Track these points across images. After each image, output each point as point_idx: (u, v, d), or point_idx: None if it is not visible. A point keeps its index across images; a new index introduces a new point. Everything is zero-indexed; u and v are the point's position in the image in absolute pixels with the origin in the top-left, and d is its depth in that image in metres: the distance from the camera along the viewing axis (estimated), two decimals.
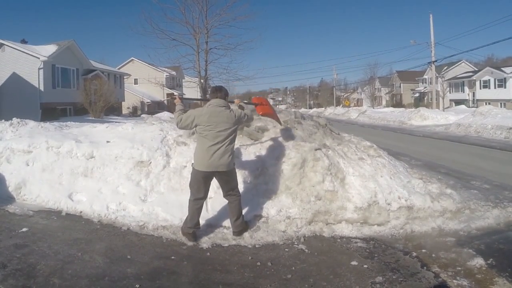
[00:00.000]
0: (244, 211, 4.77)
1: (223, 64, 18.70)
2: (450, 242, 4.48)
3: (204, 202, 4.66)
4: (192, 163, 4.47)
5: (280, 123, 5.94)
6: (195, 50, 17.78)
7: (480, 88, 45.53)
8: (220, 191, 4.74)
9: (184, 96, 52.53)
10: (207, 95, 18.65)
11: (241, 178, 5.27)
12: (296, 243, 4.44)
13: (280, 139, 5.87)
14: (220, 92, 4.53)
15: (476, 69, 50.76)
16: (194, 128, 4.43)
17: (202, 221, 4.78)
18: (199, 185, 4.39)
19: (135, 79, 44.20)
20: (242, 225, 4.64)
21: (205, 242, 4.41)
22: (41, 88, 24.89)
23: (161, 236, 4.53)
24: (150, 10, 33.61)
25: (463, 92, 49.56)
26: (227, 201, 4.66)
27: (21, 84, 24.58)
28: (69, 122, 9.70)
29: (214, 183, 4.66)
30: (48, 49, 26.21)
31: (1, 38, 25.65)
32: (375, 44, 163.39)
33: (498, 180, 7.51)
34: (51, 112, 23.91)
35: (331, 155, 5.61)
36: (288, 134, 5.99)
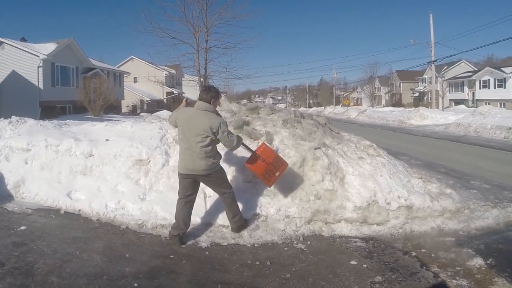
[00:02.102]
0: (243, 210, 4.76)
1: (223, 63, 18.68)
2: (450, 242, 4.47)
3: (203, 201, 4.64)
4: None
5: (267, 183, 4.88)
6: (195, 49, 17.79)
7: (480, 88, 45.56)
8: None
9: (184, 95, 52.51)
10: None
11: (241, 177, 5.26)
12: (295, 242, 4.44)
13: (280, 138, 5.85)
14: (207, 93, 4.28)
15: (476, 69, 50.78)
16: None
17: (201, 220, 4.78)
18: (185, 184, 4.35)
19: (134, 78, 44.19)
20: (240, 221, 4.61)
21: (204, 241, 4.40)
22: (41, 86, 24.88)
23: (160, 235, 4.52)
24: (150, 8, 33.74)
25: (463, 92, 49.59)
26: None
27: (20, 82, 24.57)
28: (68, 121, 9.68)
29: None
30: (48, 47, 26.20)
31: (1, 36, 25.61)
32: (375, 43, 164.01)
33: (498, 180, 7.51)
34: (50, 110, 23.89)
35: (330, 154, 5.60)
36: (287, 133, 5.97)
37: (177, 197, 4.46)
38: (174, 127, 4.59)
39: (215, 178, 4.38)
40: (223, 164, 4.74)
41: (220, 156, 4.52)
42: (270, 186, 4.95)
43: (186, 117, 4.25)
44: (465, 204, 5.45)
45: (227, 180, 4.63)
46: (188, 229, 4.47)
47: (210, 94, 4.29)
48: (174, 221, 4.48)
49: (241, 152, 5.53)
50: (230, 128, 4.72)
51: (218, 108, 4.74)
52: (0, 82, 24.94)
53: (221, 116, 4.43)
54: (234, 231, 4.58)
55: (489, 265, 3.81)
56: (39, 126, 7.27)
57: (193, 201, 4.45)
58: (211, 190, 4.89)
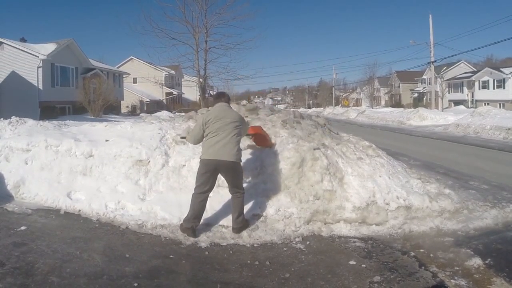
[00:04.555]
0: None
1: (222, 64, 18.75)
2: (448, 242, 4.48)
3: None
4: (200, 156, 4.57)
5: (270, 145, 5.78)
6: (195, 49, 17.82)
7: (479, 89, 45.62)
8: (219, 190, 4.76)
9: (183, 96, 52.51)
10: (206, 95, 18.69)
11: None
12: (294, 243, 4.44)
13: (279, 138, 5.87)
14: (224, 97, 4.89)
15: (475, 70, 50.85)
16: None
17: (201, 220, 4.78)
18: (204, 178, 4.46)
19: (134, 78, 44.23)
20: (243, 222, 4.66)
21: (204, 241, 4.41)
22: (40, 86, 24.88)
23: (160, 235, 4.53)
24: (150, 9, 33.76)
25: (462, 92, 49.65)
26: (226, 201, 4.68)
27: (20, 82, 24.57)
28: (68, 121, 9.70)
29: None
30: (48, 48, 26.20)
31: (0, 37, 25.62)
32: (374, 44, 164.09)
33: (497, 181, 7.52)
34: (50, 110, 23.89)
35: (329, 155, 5.62)
36: (287, 134, 5.99)
37: (176, 197, 4.49)
38: (202, 136, 4.60)
39: (238, 171, 4.60)
40: None
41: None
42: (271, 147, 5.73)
43: (216, 113, 4.59)
44: (464, 205, 5.46)
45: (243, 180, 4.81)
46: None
47: (226, 97, 4.93)
48: (173, 221, 4.49)
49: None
50: None
51: None
52: None
53: None
54: (235, 231, 4.61)
55: (488, 265, 3.82)
56: (39, 126, 7.28)
57: (207, 197, 4.58)
58: (212, 190, 4.89)
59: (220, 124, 4.45)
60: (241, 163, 4.66)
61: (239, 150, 4.57)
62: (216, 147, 4.40)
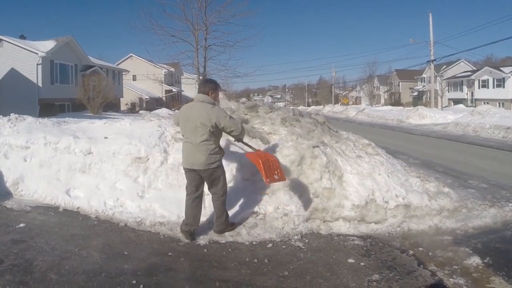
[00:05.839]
0: (241, 208, 4.77)
1: (222, 61, 18.73)
2: (447, 240, 4.49)
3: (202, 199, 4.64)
4: None
5: (264, 176, 4.32)
6: (194, 47, 17.77)
7: (479, 88, 45.65)
8: None
9: (182, 93, 52.41)
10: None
11: (239, 175, 5.26)
12: (293, 241, 4.45)
13: (278, 136, 5.86)
14: (204, 86, 4.35)
15: (475, 69, 50.86)
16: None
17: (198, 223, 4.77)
18: (187, 180, 4.40)
19: (133, 76, 44.14)
20: (223, 225, 4.52)
21: (202, 238, 4.41)
22: (40, 84, 24.85)
23: (158, 233, 4.53)
24: (149, 6, 33.66)
25: (462, 91, 49.70)
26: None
27: (19, 79, 24.54)
28: (67, 118, 9.64)
29: None
30: (47, 45, 26.16)
31: (0, 34, 25.56)
32: (374, 42, 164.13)
33: (496, 179, 7.53)
34: (49, 108, 23.84)
35: (329, 153, 5.61)
36: (286, 132, 5.98)
37: (175, 194, 4.48)
38: (178, 126, 4.57)
39: (214, 176, 4.33)
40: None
41: (223, 153, 4.42)
42: (268, 183, 4.57)
43: (186, 111, 4.35)
44: (462, 203, 5.46)
45: (225, 183, 4.50)
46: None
47: (208, 86, 4.35)
48: (172, 218, 4.47)
49: (240, 150, 5.54)
50: None
51: None
52: None
53: (219, 107, 4.37)
54: (215, 232, 4.53)
55: (486, 264, 3.83)
56: (38, 123, 7.26)
57: (200, 197, 4.44)
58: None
59: (185, 127, 4.25)
60: (217, 167, 4.29)
61: (212, 155, 4.19)
62: (186, 153, 4.29)
